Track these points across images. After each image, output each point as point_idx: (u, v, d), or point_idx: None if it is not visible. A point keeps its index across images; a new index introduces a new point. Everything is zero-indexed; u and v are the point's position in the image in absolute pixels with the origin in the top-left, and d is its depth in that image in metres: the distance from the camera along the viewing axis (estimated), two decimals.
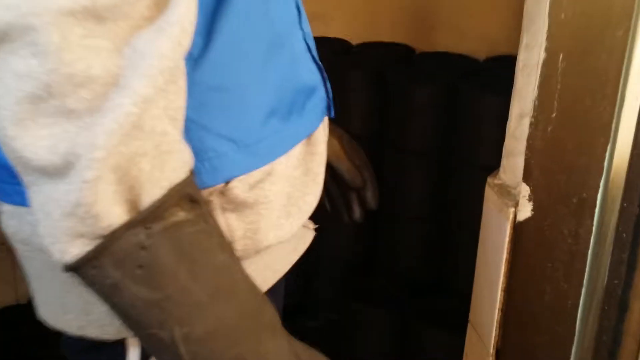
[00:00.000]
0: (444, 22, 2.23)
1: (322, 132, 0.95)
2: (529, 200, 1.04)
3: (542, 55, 0.97)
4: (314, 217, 0.99)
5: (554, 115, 0.98)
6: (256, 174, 0.82)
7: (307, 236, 1.04)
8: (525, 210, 1.05)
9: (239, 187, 0.80)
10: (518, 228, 1.05)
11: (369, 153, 2.08)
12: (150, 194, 0.62)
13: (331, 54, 2.20)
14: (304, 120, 0.89)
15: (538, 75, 0.98)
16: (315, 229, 1.07)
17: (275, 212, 0.86)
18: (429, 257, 2.05)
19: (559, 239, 1.01)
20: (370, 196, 1.20)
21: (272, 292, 0.93)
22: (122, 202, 0.61)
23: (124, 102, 0.58)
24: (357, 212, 1.20)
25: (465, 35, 2.21)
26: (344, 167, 1.14)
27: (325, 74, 0.98)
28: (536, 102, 0.99)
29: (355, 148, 1.19)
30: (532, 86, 1.01)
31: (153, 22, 0.61)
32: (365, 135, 2.04)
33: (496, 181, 1.16)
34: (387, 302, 1.93)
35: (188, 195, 0.65)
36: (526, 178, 1.05)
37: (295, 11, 0.90)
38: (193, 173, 0.67)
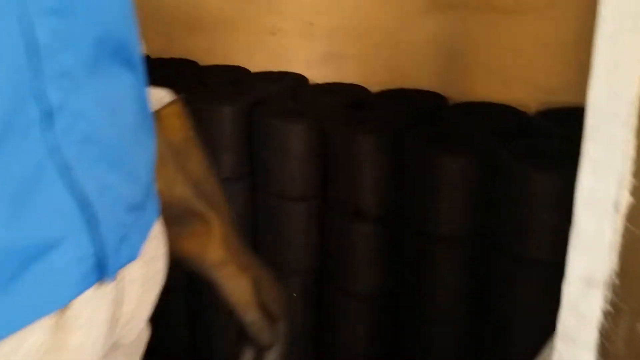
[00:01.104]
0: (483, 62, 1.78)
1: (89, 308, 0.59)
2: None
3: (625, 196, 0.53)
4: None
5: None
6: None
7: None
8: None
9: None
10: None
11: (385, 237, 1.69)
12: None
13: (341, 107, 1.78)
14: (22, 298, 0.53)
15: (617, 232, 0.54)
16: None
17: None
18: None
19: None
20: None
21: None
22: None
23: None
24: None
25: (509, 79, 1.75)
26: (251, 318, 0.87)
27: (98, 216, 0.57)
28: (616, 281, 0.55)
29: (275, 295, 0.90)
30: (605, 242, 0.57)
31: None
32: (380, 214, 1.61)
33: None
34: None
35: None
36: None
37: (32, 110, 0.51)
38: None
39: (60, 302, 0.56)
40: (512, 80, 1.75)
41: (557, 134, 1.50)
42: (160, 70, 2.15)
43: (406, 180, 1.55)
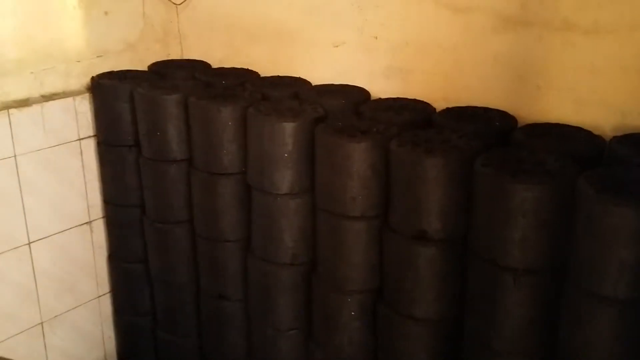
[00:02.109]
0: (555, 81, 1.71)
1: None
2: None
3: None
4: None
5: None
6: None
7: None
8: None
9: None
10: None
11: (449, 262, 1.61)
12: None
13: (406, 126, 1.74)
14: None
15: None
16: None
17: None
18: None
19: None
20: None
21: None
22: None
23: None
24: None
25: (584, 100, 1.68)
26: None
27: None
28: None
29: None
30: None
31: None
32: (444, 238, 1.57)
33: None
34: None
35: None
36: None
37: None
38: None
39: None
40: (587, 101, 1.67)
41: (638, 162, 1.42)
42: (222, 79, 2.17)
43: (475, 205, 1.50)
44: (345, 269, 1.76)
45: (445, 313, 1.63)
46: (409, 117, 1.80)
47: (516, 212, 1.40)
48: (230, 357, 2.19)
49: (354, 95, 1.99)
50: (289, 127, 1.76)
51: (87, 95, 2.18)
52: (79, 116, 2.16)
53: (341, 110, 1.91)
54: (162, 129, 2.02)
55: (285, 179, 1.81)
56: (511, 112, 1.77)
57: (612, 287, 1.30)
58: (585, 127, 1.65)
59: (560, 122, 1.70)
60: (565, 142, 1.58)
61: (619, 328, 1.31)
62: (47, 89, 2.10)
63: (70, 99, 2.14)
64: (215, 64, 2.37)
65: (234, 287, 2.08)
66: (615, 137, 1.56)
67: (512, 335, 1.48)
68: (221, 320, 2.15)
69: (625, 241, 1.27)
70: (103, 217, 2.31)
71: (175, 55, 2.47)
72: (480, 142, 1.59)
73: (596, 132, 1.63)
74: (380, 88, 2.02)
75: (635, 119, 1.61)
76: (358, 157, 1.65)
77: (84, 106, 2.17)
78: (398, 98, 1.97)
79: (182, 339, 2.28)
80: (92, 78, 2.17)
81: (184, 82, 2.13)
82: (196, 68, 2.30)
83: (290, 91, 2.04)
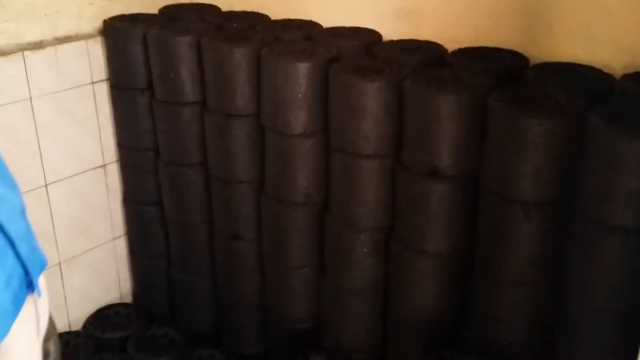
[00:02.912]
0: (567, 21, 1.72)
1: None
2: None
3: None
4: None
5: None
6: None
7: None
8: None
9: None
10: None
11: (461, 197, 1.69)
12: None
13: (419, 66, 1.76)
14: None
15: None
16: None
17: None
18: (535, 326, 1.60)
19: None
20: None
21: None
22: None
23: None
24: None
25: (595, 40, 1.69)
26: None
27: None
28: None
29: None
30: None
31: None
32: (457, 174, 1.61)
33: None
34: None
35: None
36: None
37: None
38: None
39: None
40: (598, 41, 1.69)
41: None
42: (233, 22, 2.17)
43: (487, 141, 1.54)
44: (358, 207, 1.81)
45: (456, 247, 1.69)
46: (422, 58, 1.82)
47: (528, 146, 1.44)
48: (243, 295, 2.26)
49: (365, 37, 2.00)
50: (302, 68, 1.78)
51: (99, 39, 2.19)
52: (91, 59, 2.18)
53: (353, 51, 1.93)
54: (175, 71, 2.04)
55: (299, 119, 1.84)
56: (523, 52, 1.78)
57: (619, 216, 1.35)
58: (597, 66, 1.67)
59: (572, 61, 1.71)
60: (577, 79, 1.60)
61: (625, 257, 1.36)
62: (60, 32, 2.11)
63: (82, 42, 2.15)
64: (225, 8, 2.37)
65: (247, 227, 2.13)
66: (625, 75, 1.59)
67: (522, 267, 1.54)
68: (234, 260, 2.22)
69: (634, 171, 1.31)
70: (117, 161, 2.35)
71: None
72: (492, 80, 1.62)
73: (607, 71, 1.65)
74: (391, 30, 2.03)
75: None
76: (372, 96, 1.68)
77: (97, 49, 2.19)
78: (410, 40, 1.98)
79: (196, 278, 2.35)
80: (105, 21, 2.18)
81: (196, 24, 2.13)
82: (206, 11, 2.30)
83: (302, 33, 2.05)
